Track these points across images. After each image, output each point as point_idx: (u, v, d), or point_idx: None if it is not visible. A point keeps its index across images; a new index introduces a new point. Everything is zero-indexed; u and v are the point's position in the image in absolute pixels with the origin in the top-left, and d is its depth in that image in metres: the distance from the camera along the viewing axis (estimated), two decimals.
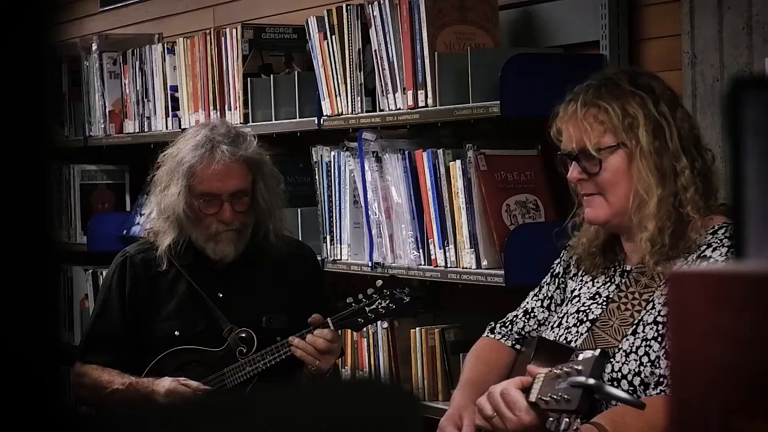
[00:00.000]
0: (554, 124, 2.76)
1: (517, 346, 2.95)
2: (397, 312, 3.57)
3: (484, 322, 3.12)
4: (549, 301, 2.96)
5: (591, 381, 2.35)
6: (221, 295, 3.59)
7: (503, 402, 2.51)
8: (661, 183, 2.64)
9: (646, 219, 2.64)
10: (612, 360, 2.62)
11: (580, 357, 2.46)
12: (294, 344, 3.42)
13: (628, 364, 2.60)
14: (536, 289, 3.01)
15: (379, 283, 3.54)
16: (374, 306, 3.50)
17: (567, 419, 2.40)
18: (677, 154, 2.66)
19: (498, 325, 3.02)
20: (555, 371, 2.44)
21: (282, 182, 3.90)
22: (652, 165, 2.64)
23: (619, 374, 2.60)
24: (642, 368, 2.59)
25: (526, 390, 2.51)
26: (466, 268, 3.66)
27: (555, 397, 2.39)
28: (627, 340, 2.64)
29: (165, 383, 3.44)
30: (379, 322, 4.10)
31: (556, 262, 2.98)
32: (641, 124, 2.65)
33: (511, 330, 2.99)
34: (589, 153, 2.68)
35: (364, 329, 4.14)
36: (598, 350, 2.50)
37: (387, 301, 3.50)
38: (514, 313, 3.02)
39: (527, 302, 3.01)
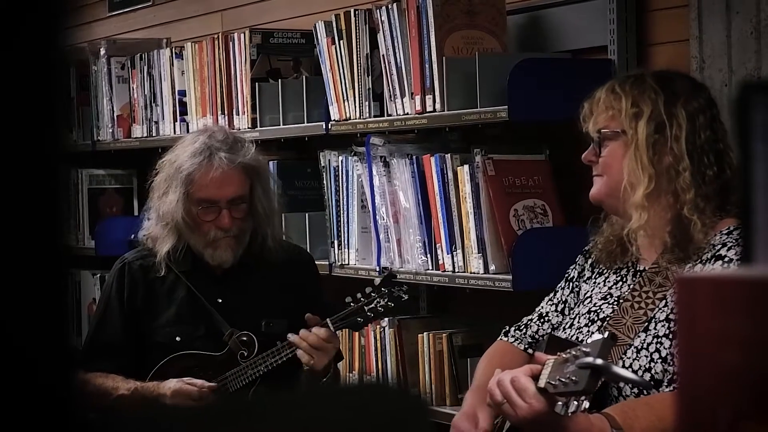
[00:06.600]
0: (584, 106, 2.86)
1: (530, 350, 2.96)
2: (396, 310, 3.57)
3: (492, 326, 3.12)
4: (563, 305, 2.98)
5: (598, 361, 2.34)
6: (220, 301, 3.60)
7: (513, 389, 2.51)
8: (654, 178, 2.72)
9: (631, 207, 2.73)
10: (623, 357, 2.65)
11: (589, 340, 2.47)
12: (291, 340, 3.43)
13: (638, 360, 2.63)
14: (551, 294, 3.03)
15: (377, 281, 3.54)
16: (373, 305, 3.50)
17: (576, 401, 2.40)
18: (680, 155, 2.72)
19: (512, 329, 3.04)
20: (563, 356, 2.44)
21: (280, 188, 3.89)
22: (645, 158, 2.73)
23: (630, 370, 2.61)
24: (653, 365, 2.62)
25: (535, 377, 2.52)
26: (474, 273, 3.66)
27: (563, 380, 2.39)
28: (639, 337, 2.67)
29: (170, 384, 3.45)
30: (386, 328, 4.10)
31: (571, 267, 3.01)
32: (645, 117, 2.74)
33: (525, 333, 3.00)
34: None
35: (372, 333, 4.15)
36: (607, 333, 2.51)
37: (386, 299, 3.50)
38: (529, 317, 3.04)
39: (542, 306, 3.03)
